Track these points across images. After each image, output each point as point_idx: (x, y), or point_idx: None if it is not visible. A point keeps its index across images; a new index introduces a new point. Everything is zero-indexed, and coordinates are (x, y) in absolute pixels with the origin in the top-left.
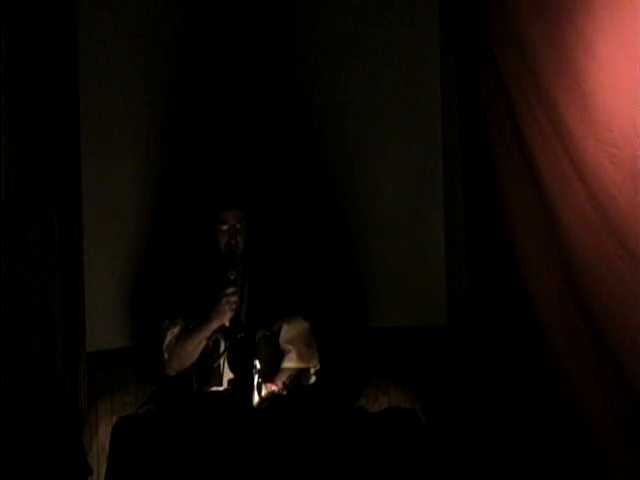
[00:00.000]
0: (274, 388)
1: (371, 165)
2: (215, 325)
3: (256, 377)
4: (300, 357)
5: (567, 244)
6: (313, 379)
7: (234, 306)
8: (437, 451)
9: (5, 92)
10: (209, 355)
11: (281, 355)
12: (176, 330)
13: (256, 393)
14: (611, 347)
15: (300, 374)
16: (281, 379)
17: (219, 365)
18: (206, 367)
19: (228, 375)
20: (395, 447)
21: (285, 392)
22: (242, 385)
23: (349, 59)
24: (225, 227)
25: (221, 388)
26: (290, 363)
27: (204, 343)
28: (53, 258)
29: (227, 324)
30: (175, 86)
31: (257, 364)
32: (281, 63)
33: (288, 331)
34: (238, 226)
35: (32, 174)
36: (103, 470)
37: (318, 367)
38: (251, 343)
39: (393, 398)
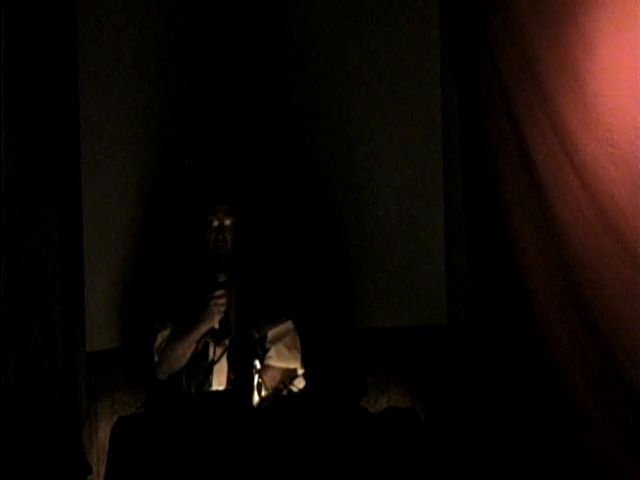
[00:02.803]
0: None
1: (370, 164)
2: (204, 328)
3: (256, 377)
4: (278, 356)
5: (567, 244)
6: (302, 383)
7: (222, 308)
8: (437, 451)
9: (5, 92)
10: (199, 358)
11: None
12: (166, 333)
13: (256, 393)
14: (610, 346)
15: (284, 374)
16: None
17: (211, 368)
18: (197, 370)
19: (219, 378)
20: (394, 447)
21: (285, 391)
22: (242, 385)
23: (347, 58)
24: (215, 223)
25: (221, 388)
26: (268, 361)
27: (194, 346)
28: (53, 258)
29: (216, 326)
30: (173, 87)
31: (257, 364)
32: (279, 63)
33: (273, 332)
34: (227, 223)
35: (32, 174)
36: (103, 470)
37: (302, 370)
38: (251, 344)
39: (393, 398)
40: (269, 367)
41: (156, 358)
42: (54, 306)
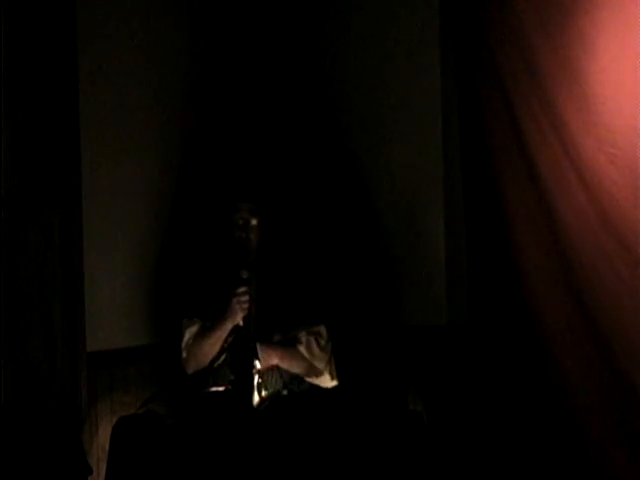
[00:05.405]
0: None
1: (371, 165)
2: (229, 325)
3: (256, 377)
4: (307, 346)
5: (567, 244)
6: (332, 382)
7: (245, 305)
8: (438, 451)
9: (5, 92)
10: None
11: None
12: (194, 329)
13: (256, 393)
14: (610, 347)
15: (308, 367)
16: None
17: (222, 364)
18: (214, 367)
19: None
20: (397, 447)
21: (285, 392)
22: (242, 385)
23: (348, 59)
24: (240, 222)
25: (221, 388)
26: (297, 346)
27: (220, 343)
28: (53, 258)
29: (240, 323)
30: (185, 84)
31: (257, 364)
32: (295, 63)
33: (306, 330)
34: (253, 222)
35: (32, 175)
36: (103, 470)
37: (334, 382)
38: (251, 344)
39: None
40: (296, 353)
41: (184, 354)
42: (54, 306)
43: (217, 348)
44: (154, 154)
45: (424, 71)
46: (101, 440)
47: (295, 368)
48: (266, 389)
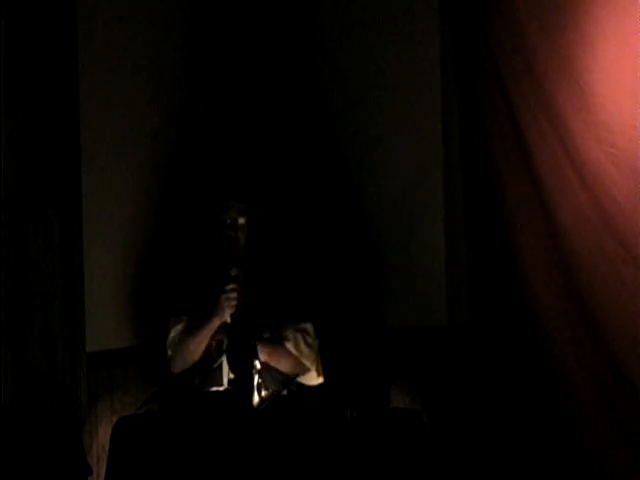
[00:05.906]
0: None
1: (371, 165)
2: (216, 323)
3: (256, 377)
4: (295, 344)
5: (567, 244)
6: (318, 379)
7: (233, 303)
8: (438, 450)
9: (5, 92)
10: (212, 354)
11: None
12: (180, 327)
13: (256, 393)
14: (610, 347)
15: (295, 365)
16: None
17: (220, 364)
18: (208, 366)
19: (229, 375)
20: (397, 447)
21: (285, 392)
22: (242, 385)
23: (349, 59)
24: (228, 220)
25: (221, 388)
26: (285, 344)
27: (207, 341)
28: (53, 258)
29: (228, 321)
30: (181, 84)
31: (257, 364)
32: (286, 61)
33: (293, 327)
34: (241, 221)
35: (32, 174)
36: (103, 470)
37: (321, 379)
38: (251, 343)
39: (393, 398)
40: (283, 350)
41: (169, 352)
42: (54, 306)
43: (203, 346)
44: (154, 154)
45: (424, 71)
46: (101, 440)
47: (282, 365)
48: (266, 389)
